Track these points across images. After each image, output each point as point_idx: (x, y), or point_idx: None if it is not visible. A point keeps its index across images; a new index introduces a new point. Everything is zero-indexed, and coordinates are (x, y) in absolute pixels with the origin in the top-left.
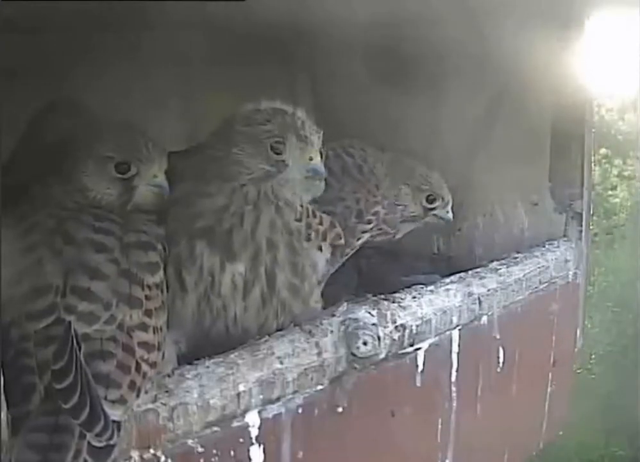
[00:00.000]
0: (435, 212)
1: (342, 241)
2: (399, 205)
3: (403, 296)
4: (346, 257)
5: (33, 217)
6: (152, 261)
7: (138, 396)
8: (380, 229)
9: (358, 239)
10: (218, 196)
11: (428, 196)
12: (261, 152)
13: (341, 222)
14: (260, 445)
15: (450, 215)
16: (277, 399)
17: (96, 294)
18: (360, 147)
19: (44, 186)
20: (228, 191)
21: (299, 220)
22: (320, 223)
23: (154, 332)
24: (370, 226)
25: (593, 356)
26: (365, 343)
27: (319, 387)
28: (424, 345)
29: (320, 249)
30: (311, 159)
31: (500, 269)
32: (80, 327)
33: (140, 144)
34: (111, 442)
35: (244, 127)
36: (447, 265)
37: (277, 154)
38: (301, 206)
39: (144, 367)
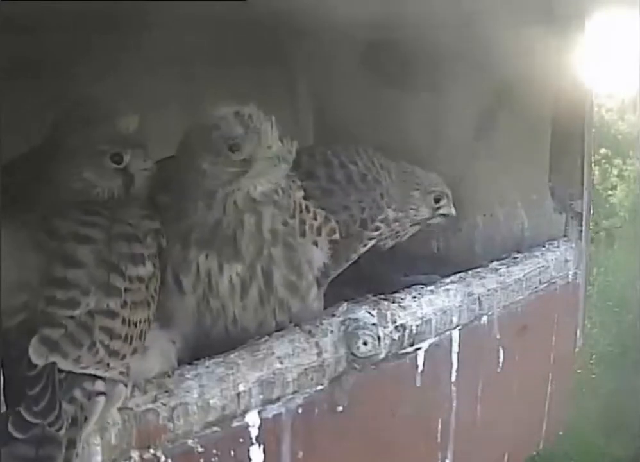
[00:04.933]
0: (441, 211)
1: (337, 236)
2: (412, 209)
3: (403, 296)
4: (351, 262)
5: (25, 216)
6: (135, 252)
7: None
8: (392, 231)
9: (364, 245)
10: (207, 210)
11: (435, 196)
12: (218, 157)
13: (343, 230)
14: (260, 445)
15: (453, 210)
16: (277, 399)
17: (74, 281)
18: (366, 155)
19: (40, 185)
20: (218, 204)
21: (293, 216)
22: (315, 218)
23: (123, 323)
24: (379, 232)
25: (593, 356)
26: (365, 343)
27: (319, 387)
28: (424, 345)
29: (315, 244)
30: (269, 147)
31: (500, 269)
32: (64, 313)
33: (126, 130)
34: (61, 433)
35: (200, 137)
36: (447, 265)
37: (234, 152)
38: (294, 201)
39: (101, 352)
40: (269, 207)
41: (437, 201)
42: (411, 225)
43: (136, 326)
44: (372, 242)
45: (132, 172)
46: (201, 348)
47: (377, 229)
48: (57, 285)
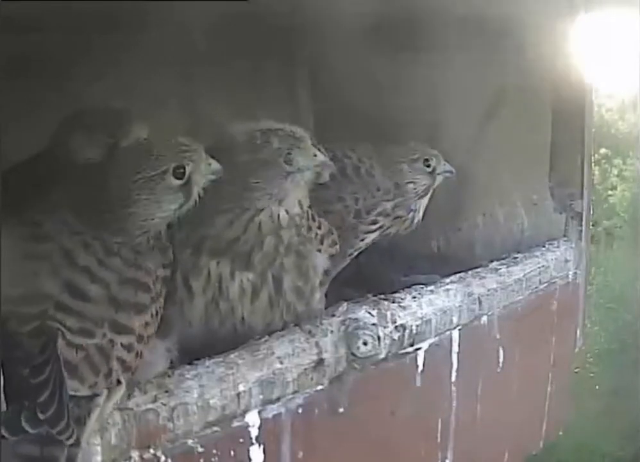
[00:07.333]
0: (438, 171)
1: (338, 247)
2: (410, 183)
3: (403, 296)
4: (350, 257)
5: (45, 228)
6: (139, 302)
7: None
8: (396, 218)
9: (362, 240)
10: (229, 224)
11: (424, 160)
12: (276, 171)
13: (338, 221)
14: (260, 445)
15: (449, 165)
16: (278, 399)
17: (85, 313)
18: (360, 150)
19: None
20: (245, 220)
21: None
22: (319, 227)
23: (138, 341)
24: (377, 226)
25: (592, 356)
26: (365, 343)
27: (319, 387)
28: (424, 345)
29: (319, 251)
30: (315, 155)
31: (500, 269)
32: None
33: (178, 139)
34: (70, 442)
35: (248, 154)
36: (447, 265)
37: (290, 165)
38: (301, 208)
39: (114, 375)
40: (290, 230)
41: (427, 165)
42: (418, 198)
43: (146, 342)
44: (371, 236)
45: (194, 183)
46: (208, 348)
47: (375, 223)
48: (69, 313)
